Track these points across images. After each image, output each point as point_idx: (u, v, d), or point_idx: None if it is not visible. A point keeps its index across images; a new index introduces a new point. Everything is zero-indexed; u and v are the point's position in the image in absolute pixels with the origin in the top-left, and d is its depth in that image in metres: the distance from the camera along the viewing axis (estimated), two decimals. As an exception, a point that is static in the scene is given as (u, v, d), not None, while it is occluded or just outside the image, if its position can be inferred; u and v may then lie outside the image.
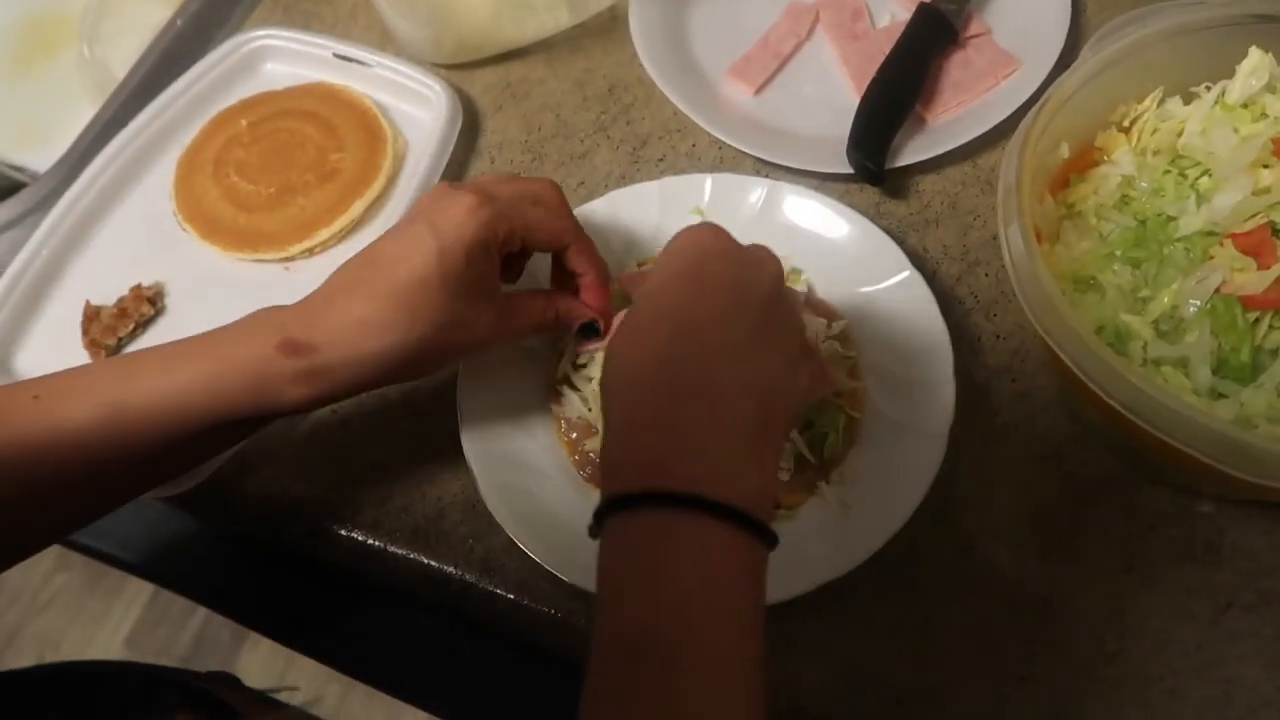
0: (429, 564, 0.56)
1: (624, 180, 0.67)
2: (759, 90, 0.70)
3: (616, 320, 0.52)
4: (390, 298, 0.45)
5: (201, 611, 1.49)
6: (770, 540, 0.38)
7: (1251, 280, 0.49)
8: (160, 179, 0.70)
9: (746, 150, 0.65)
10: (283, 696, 0.71)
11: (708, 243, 0.45)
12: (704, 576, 0.36)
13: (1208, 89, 0.56)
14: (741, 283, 0.43)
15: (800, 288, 0.58)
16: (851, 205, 0.61)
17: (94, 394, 0.44)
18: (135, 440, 0.44)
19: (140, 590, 1.52)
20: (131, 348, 0.65)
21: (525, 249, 0.51)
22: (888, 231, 0.60)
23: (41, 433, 0.43)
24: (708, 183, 0.62)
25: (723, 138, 0.66)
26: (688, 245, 0.45)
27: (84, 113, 0.78)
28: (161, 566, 0.66)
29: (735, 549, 0.36)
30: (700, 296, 0.42)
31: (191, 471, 0.56)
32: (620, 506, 0.38)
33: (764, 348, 0.42)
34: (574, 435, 0.56)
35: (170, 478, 0.52)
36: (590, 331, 0.53)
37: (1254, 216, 0.51)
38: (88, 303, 0.65)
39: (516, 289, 0.54)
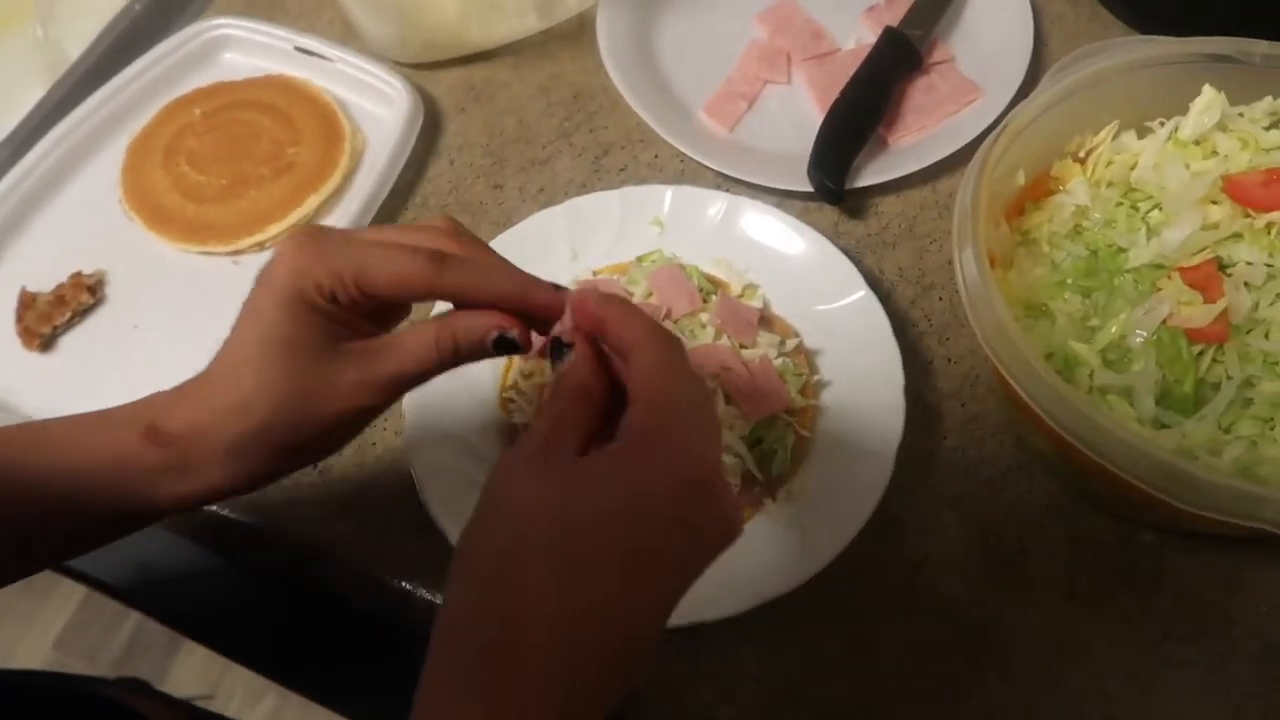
0: (366, 570, 0.55)
1: (584, 188, 0.67)
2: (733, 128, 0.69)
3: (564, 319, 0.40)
4: (228, 379, 0.39)
5: (135, 615, 1.45)
6: None
7: (1197, 313, 0.50)
8: (108, 165, 0.68)
9: (708, 164, 0.65)
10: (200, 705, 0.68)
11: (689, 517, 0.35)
12: None
13: (1161, 124, 0.57)
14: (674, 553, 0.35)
15: (756, 303, 0.58)
16: (810, 223, 0.61)
17: None
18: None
19: (72, 592, 1.47)
20: (68, 337, 0.63)
21: (371, 301, 0.39)
22: (845, 251, 0.60)
23: None
24: (668, 194, 0.62)
25: (685, 150, 0.65)
26: (664, 495, 0.34)
27: (33, 94, 0.76)
28: (105, 573, 0.64)
29: None
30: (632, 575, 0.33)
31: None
32: None
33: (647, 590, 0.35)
34: (522, 443, 0.55)
35: (66, 556, 0.44)
36: (509, 347, 0.40)
37: (1201, 251, 0.52)
38: (23, 289, 0.63)
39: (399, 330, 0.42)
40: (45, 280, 0.63)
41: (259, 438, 0.39)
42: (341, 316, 0.39)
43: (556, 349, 0.40)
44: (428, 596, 0.54)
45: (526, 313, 0.40)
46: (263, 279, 0.39)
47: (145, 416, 0.39)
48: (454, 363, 0.40)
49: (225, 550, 0.58)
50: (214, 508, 0.57)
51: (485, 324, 0.40)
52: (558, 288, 0.41)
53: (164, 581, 0.63)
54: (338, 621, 0.62)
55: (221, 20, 0.73)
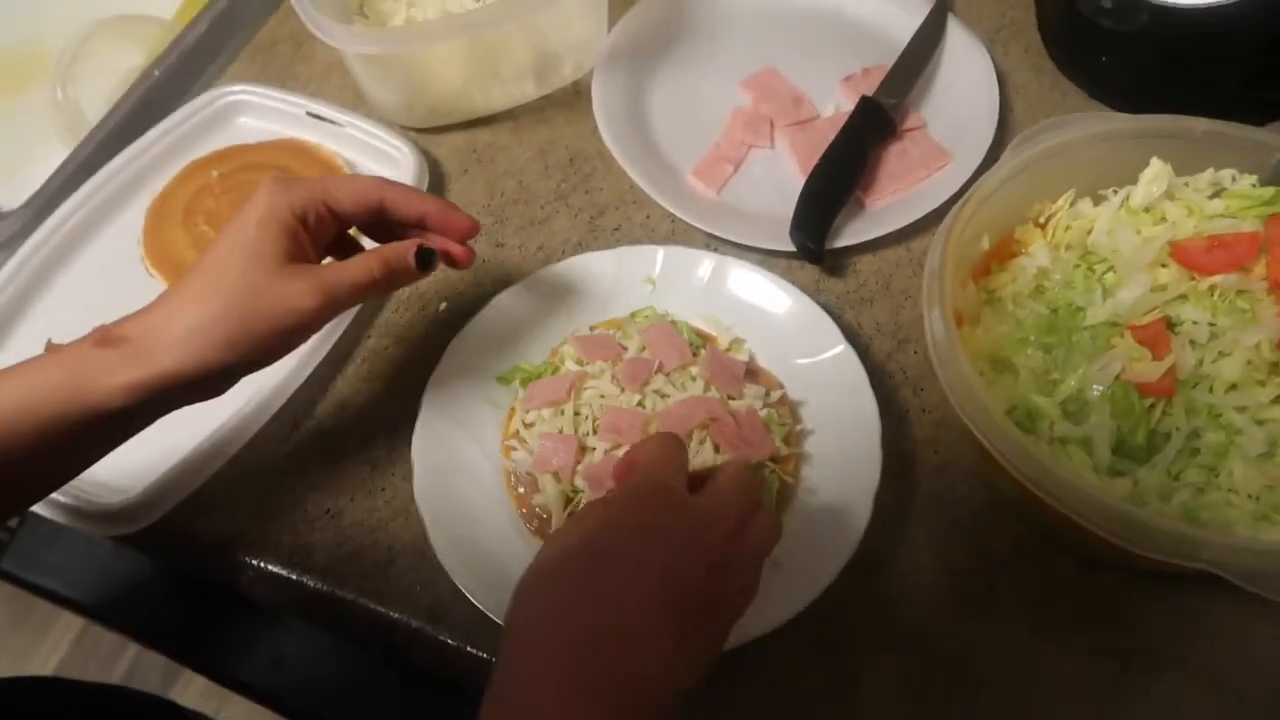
0: (376, 609, 0.58)
1: (581, 247, 0.71)
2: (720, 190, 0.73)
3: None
4: (194, 280, 0.48)
5: (132, 648, 1.46)
6: None
7: (1147, 369, 0.54)
8: (130, 224, 0.72)
9: (697, 225, 0.70)
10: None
11: (654, 521, 0.44)
12: None
13: (1115, 192, 0.62)
14: (676, 578, 0.43)
15: (742, 357, 0.62)
16: (793, 281, 0.65)
17: None
18: None
19: (68, 628, 1.49)
20: (92, 387, 0.66)
21: (337, 218, 0.52)
22: (825, 307, 0.64)
23: None
24: (660, 254, 0.66)
25: (675, 212, 0.70)
26: (625, 516, 0.45)
27: (52, 150, 0.79)
28: (106, 604, 0.67)
29: None
30: (617, 599, 0.42)
31: (143, 512, 0.58)
32: None
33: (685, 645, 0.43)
34: (522, 489, 0.59)
35: (39, 492, 0.52)
36: (428, 258, 0.53)
37: (1151, 311, 0.57)
38: (49, 342, 0.66)
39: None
40: (71, 336, 0.66)
41: (212, 325, 0.47)
42: (304, 238, 0.51)
43: (424, 257, 0.52)
44: (436, 636, 0.57)
45: (448, 227, 0.54)
46: (243, 210, 0.50)
47: (96, 330, 0.48)
48: (386, 282, 0.52)
49: (242, 592, 0.61)
50: (228, 549, 0.60)
51: (407, 245, 0.52)
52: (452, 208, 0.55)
53: (168, 617, 0.67)
54: (340, 658, 0.65)
55: (237, 86, 0.78)
